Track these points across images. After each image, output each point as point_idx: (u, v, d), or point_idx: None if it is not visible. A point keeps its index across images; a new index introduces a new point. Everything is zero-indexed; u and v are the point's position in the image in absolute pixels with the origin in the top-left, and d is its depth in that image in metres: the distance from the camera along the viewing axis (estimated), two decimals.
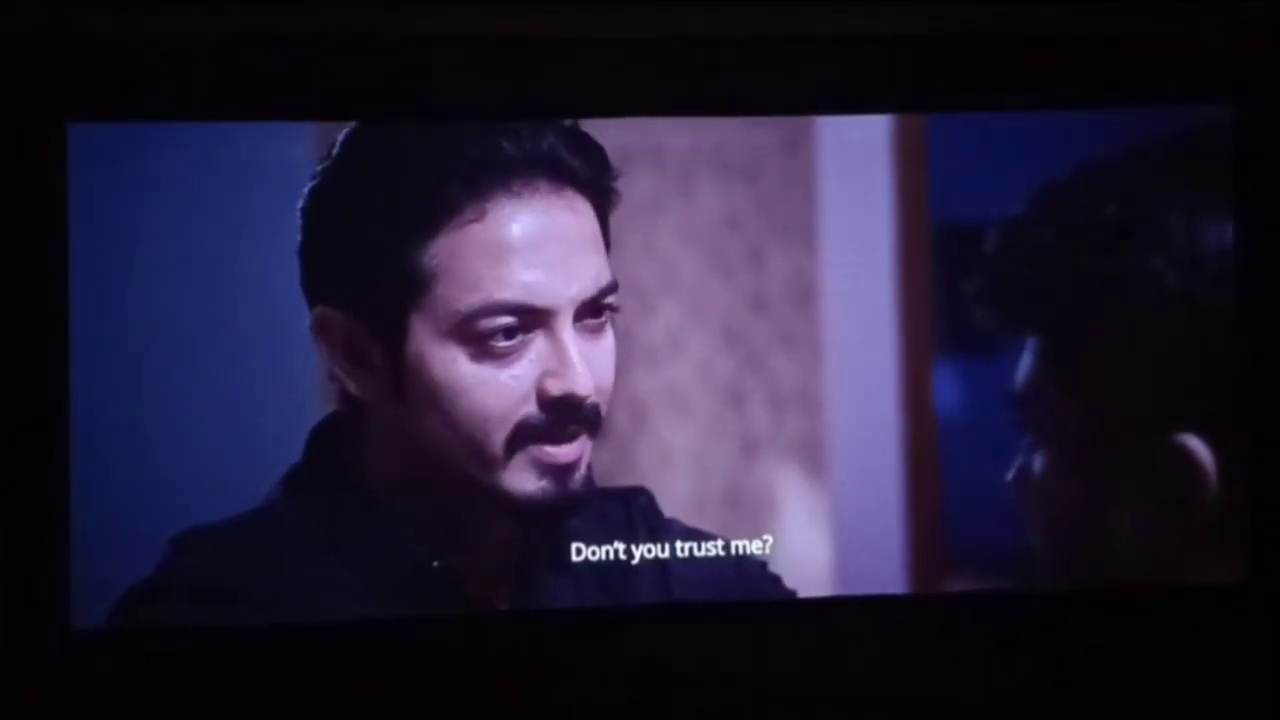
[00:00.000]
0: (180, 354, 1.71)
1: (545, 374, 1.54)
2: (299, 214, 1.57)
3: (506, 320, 1.53)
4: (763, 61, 1.85)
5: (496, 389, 1.54)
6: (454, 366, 1.53)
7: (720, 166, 1.82)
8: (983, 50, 1.88)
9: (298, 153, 1.67)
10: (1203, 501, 1.74)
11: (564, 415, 1.55)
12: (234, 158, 1.73)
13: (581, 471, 1.59)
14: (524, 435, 1.55)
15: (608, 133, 1.70)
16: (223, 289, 1.70)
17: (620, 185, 1.61)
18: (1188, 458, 1.73)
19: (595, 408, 1.58)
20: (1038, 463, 1.76)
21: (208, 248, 1.71)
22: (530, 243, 1.53)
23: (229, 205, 1.71)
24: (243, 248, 1.69)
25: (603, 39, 1.83)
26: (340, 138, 1.61)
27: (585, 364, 1.55)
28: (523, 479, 1.56)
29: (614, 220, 1.65)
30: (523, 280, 1.53)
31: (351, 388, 1.57)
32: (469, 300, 1.53)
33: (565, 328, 1.54)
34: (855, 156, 1.83)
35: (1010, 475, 1.77)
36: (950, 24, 1.85)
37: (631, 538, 1.70)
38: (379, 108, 1.77)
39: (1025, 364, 1.77)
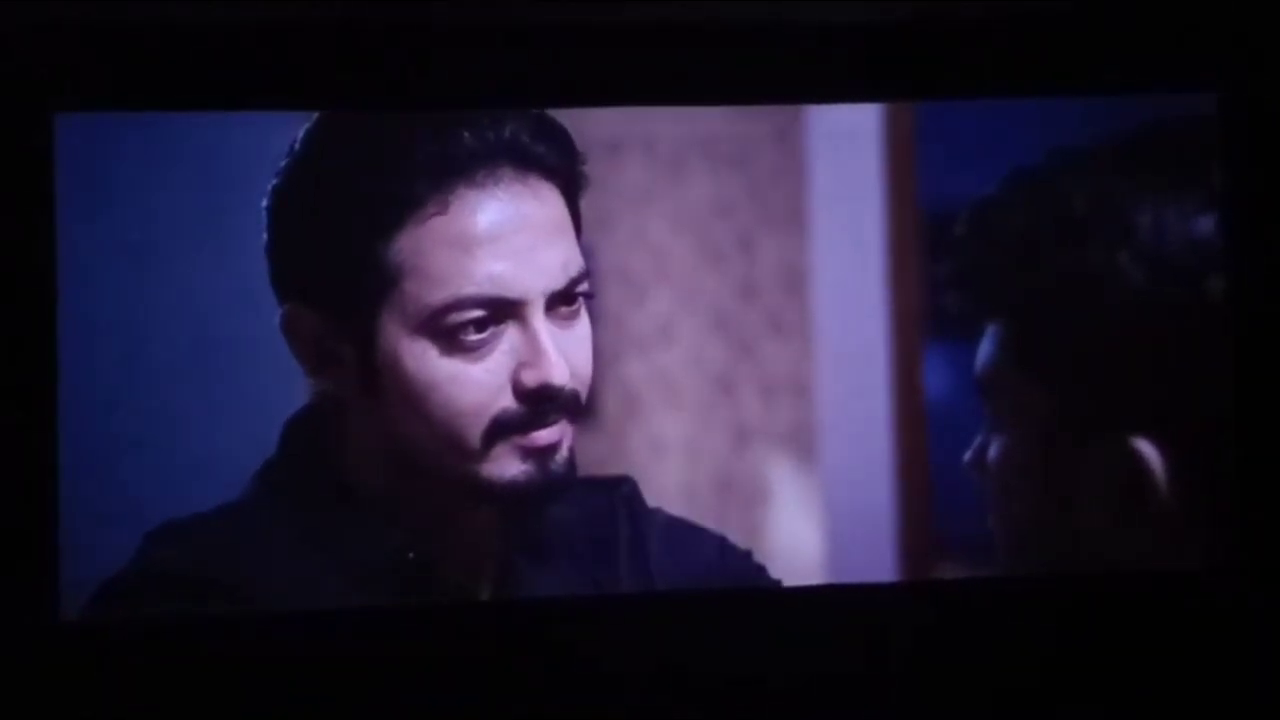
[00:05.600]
0: (170, 346, 1.70)
1: (520, 365, 1.53)
2: (264, 213, 1.55)
3: (476, 313, 1.51)
4: (753, 50, 1.85)
5: (471, 383, 1.52)
6: (426, 362, 1.52)
7: (710, 155, 1.82)
8: (973, 38, 1.87)
9: (289, 142, 1.66)
10: (1155, 503, 1.74)
11: (542, 405, 1.53)
12: (224, 148, 1.72)
13: (563, 453, 1.56)
14: (501, 427, 1.53)
15: (597, 122, 1.70)
16: (212, 281, 1.70)
17: (588, 169, 1.58)
18: (1141, 463, 1.73)
19: (574, 394, 1.56)
20: (994, 447, 1.75)
21: (196, 239, 1.71)
22: (496, 234, 1.51)
23: (218, 196, 1.71)
24: (232, 239, 1.69)
25: (592, 27, 1.82)
26: (301, 133, 1.58)
27: (560, 353, 1.53)
28: (503, 466, 1.55)
29: (604, 209, 1.65)
30: (490, 272, 1.51)
31: (321, 384, 1.56)
32: (437, 295, 1.50)
33: (537, 318, 1.52)
34: (845, 145, 1.83)
35: (967, 456, 1.76)
36: (940, 11, 1.85)
37: (613, 527, 1.70)
38: (372, 98, 1.77)
39: (985, 349, 1.77)
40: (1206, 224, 1.78)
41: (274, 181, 1.54)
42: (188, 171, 1.73)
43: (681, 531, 1.71)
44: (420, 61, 1.81)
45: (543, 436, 1.54)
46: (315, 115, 1.59)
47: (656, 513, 1.69)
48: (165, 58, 1.78)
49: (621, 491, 1.68)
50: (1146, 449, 1.72)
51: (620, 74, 1.82)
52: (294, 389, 1.61)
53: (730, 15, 1.83)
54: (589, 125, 1.64)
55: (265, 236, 1.54)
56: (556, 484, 1.56)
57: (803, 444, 1.82)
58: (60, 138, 1.72)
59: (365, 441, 1.58)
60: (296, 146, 1.55)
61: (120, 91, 1.77)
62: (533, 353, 1.52)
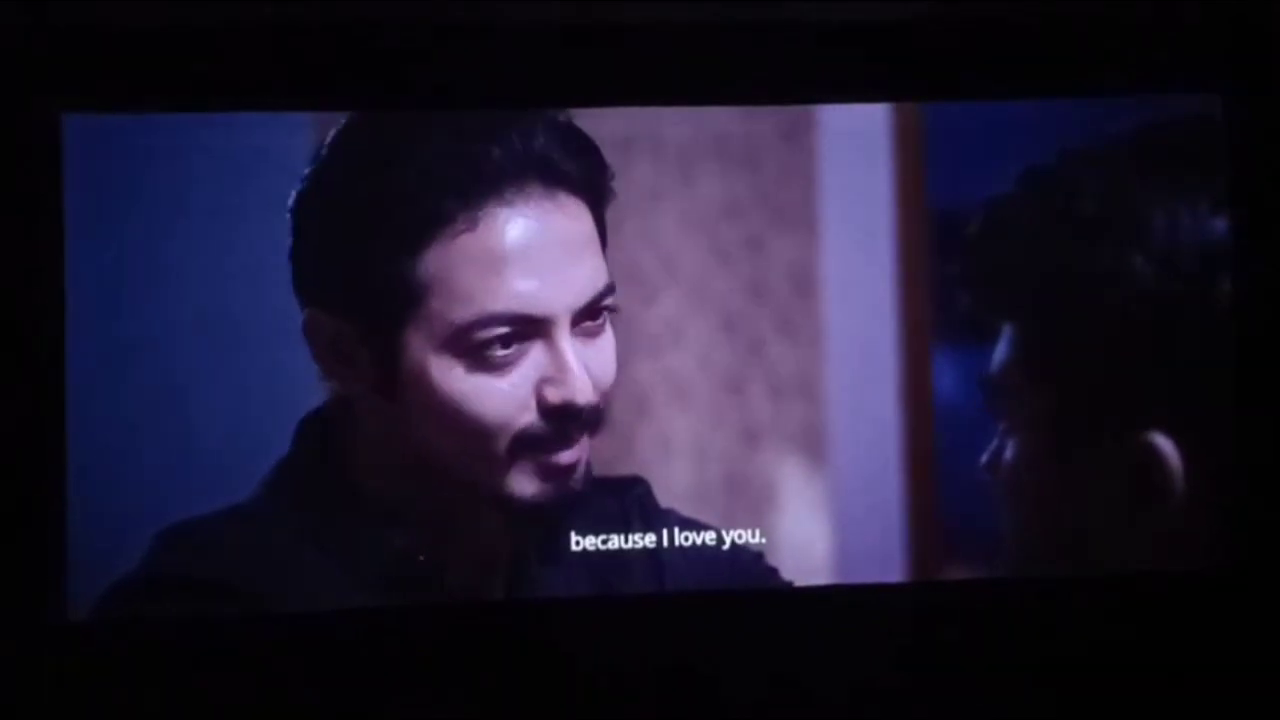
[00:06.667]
0: (178, 346, 1.70)
1: (544, 381, 1.53)
2: (289, 216, 1.55)
3: (502, 330, 1.51)
4: (762, 50, 1.85)
5: (495, 398, 1.52)
6: (450, 376, 1.52)
7: (720, 155, 1.81)
8: (981, 39, 1.87)
9: (297, 143, 1.65)
10: (1169, 498, 1.74)
11: (564, 422, 1.54)
12: (231, 148, 1.72)
13: (580, 471, 1.58)
14: (524, 443, 1.54)
15: (607, 122, 1.69)
16: (220, 281, 1.70)
17: (617, 184, 1.59)
18: (1156, 457, 1.74)
19: (596, 409, 1.57)
20: (1009, 449, 1.76)
21: (205, 239, 1.71)
22: (523, 251, 1.51)
23: (226, 197, 1.71)
24: (240, 239, 1.69)
25: (601, 27, 1.82)
26: (328, 139, 1.58)
27: (584, 369, 1.54)
28: (523, 483, 1.56)
29: (613, 209, 1.64)
30: (517, 290, 1.51)
31: (339, 387, 1.56)
32: (463, 313, 1.51)
33: (563, 335, 1.52)
34: (855, 145, 1.82)
35: (984, 459, 1.77)
36: (949, 12, 1.85)
37: (626, 528, 1.70)
38: (377, 97, 1.76)
39: (1000, 350, 1.77)
40: (1217, 224, 1.78)
41: (300, 187, 1.54)
42: (196, 172, 1.73)
43: (694, 533, 1.71)
44: (426, 61, 1.81)
45: (565, 457, 1.55)
46: (341, 124, 1.59)
47: (669, 514, 1.70)
48: (173, 59, 1.78)
49: (634, 493, 1.68)
50: (1161, 443, 1.73)
51: (629, 73, 1.82)
52: (306, 389, 1.61)
53: (739, 15, 1.83)
54: (598, 125, 1.64)
55: (290, 241, 1.55)
56: (572, 500, 1.58)
57: (812, 445, 1.82)
58: (68, 138, 1.72)
59: (379, 444, 1.58)
60: (323, 153, 1.55)
61: (128, 92, 1.76)
62: (558, 370, 1.52)
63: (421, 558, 1.60)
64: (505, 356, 1.52)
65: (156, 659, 1.73)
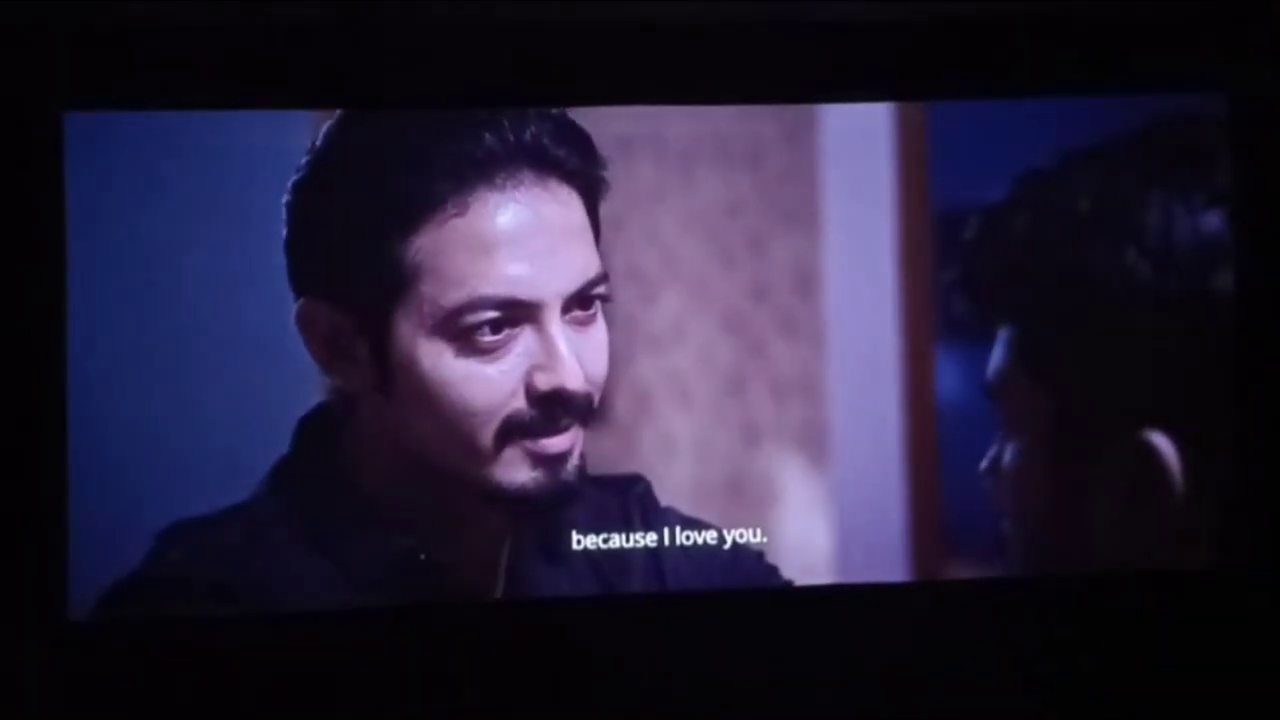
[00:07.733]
0: (179, 345, 1.70)
1: (534, 368, 1.53)
2: (283, 208, 1.56)
3: (492, 315, 1.52)
4: (764, 50, 1.85)
5: (484, 383, 1.52)
6: (440, 362, 1.52)
7: (721, 155, 1.81)
8: (983, 38, 1.87)
9: (296, 141, 1.65)
10: (1169, 496, 1.75)
11: (554, 409, 1.54)
12: (232, 146, 1.72)
13: (574, 461, 1.58)
14: (513, 428, 1.54)
15: (608, 121, 1.69)
16: (221, 280, 1.70)
17: (609, 174, 1.59)
18: (1154, 456, 1.74)
19: (587, 398, 1.57)
20: (1010, 451, 1.76)
21: (205, 238, 1.71)
22: (514, 236, 1.52)
23: (226, 195, 1.71)
24: (241, 238, 1.68)
25: (601, 27, 1.82)
26: (323, 130, 1.59)
27: (575, 357, 1.54)
28: (513, 471, 1.55)
29: (615, 208, 1.64)
30: (507, 274, 1.52)
31: (335, 381, 1.57)
32: (453, 296, 1.51)
33: (553, 321, 1.52)
34: (857, 145, 1.83)
35: (984, 465, 1.77)
36: (951, 12, 1.85)
37: (626, 527, 1.70)
38: (379, 96, 1.76)
39: (1000, 352, 1.78)
40: (1219, 223, 1.79)
41: (295, 177, 1.54)
42: (197, 170, 1.73)
43: (694, 531, 1.71)
44: (425, 61, 1.81)
45: (554, 444, 1.55)
46: (337, 113, 1.60)
47: (669, 512, 1.70)
48: (174, 57, 1.78)
49: (635, 491, 1.69)
50: (1161, 443, 1.73)
51: (632, 73, 1.82)
52: (306, 388, 1.61)
53: (739, 15, 1.83)
54: (600, 124, 1.65)
55: (285, 231, 1.55)
56: (565, 492, 1.57)
57: (813, 444, 1.82)
58: (69, 136, 1.72)
59: (377, 440, 1.58)
60: (318, 143, 1.56)
61: (129, 90, 1.76)
62: (547, 356, 1.52)
63: (422, 557, 1.60)
64: (494, 341, 1.52)
65: (157, 659, 1.73)
